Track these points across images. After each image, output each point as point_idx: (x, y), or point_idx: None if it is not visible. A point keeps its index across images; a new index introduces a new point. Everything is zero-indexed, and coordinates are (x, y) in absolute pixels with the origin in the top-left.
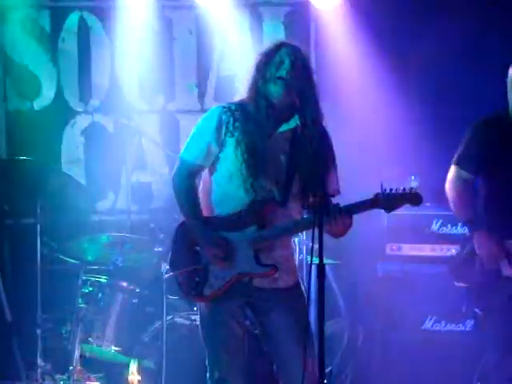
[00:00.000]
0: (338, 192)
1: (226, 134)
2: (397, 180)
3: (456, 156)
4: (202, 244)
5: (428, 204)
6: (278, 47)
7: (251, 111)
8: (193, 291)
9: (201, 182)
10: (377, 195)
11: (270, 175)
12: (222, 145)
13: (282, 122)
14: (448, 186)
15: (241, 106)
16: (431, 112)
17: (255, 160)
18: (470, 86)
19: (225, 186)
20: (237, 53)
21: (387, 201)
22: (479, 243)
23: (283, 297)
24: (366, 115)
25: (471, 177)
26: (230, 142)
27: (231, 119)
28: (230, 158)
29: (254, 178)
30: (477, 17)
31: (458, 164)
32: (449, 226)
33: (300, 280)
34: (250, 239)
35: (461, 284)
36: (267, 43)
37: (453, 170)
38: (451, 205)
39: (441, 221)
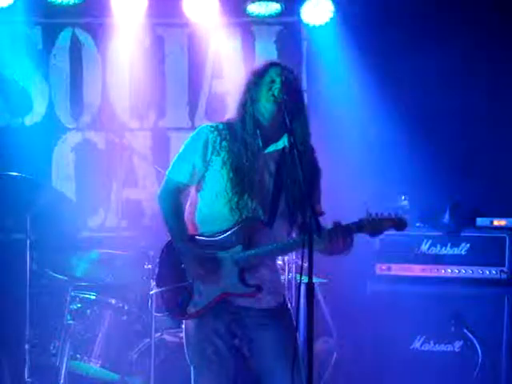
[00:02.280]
0: (322, 213)
1: (212, 153)
2: (387, 200)
3: None
4: (186, 262)
5: (418, 224)
6: (269, 67)
7: (239, 131)
8: (177, 309)
9: (187, 200)
10: (362, 220)
11: (256, 195)
12: (208, 164)
13: (270, 143)
14: None
15: (229, 125)
16: (422, 132)
17: (240, 179)
18: (458, 104)
19: (210, 205)
20: (228, 71)
21: (372, 226)
22: None
23: (268, 315)
24: (356, 133)
25: None
26: (217, 161)
27: (218, 138)
28: (216, 177)
29: (239, 198)
30: (465, 37)
31: None
32: (438, 246)
33: (287, 300)
34: (235, 258)
35: None
36: (259, 62)
37: None
38: None
39: (430, 241)
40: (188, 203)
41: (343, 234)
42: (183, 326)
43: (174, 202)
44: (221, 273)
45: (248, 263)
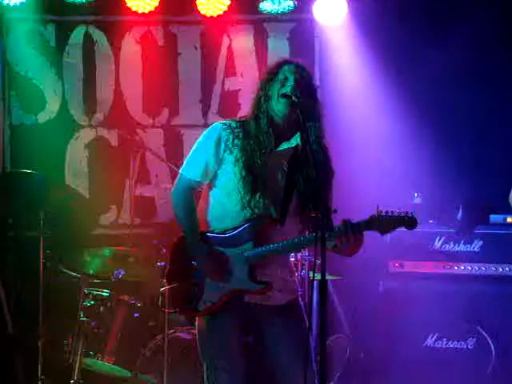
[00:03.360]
0: (335, 210)
1: (225, 151)
2: (400, 197)
3: None
4: (197, 258)
5: (431, 221)
6: (282, 64)
7: (252, 129)
8: (188, 306)
9: (200, 197)
10: (372, 217)
11: (268, 193)
12: (220, 162)
13: (282, 141)
14: None
15: (242, 123)
16: (435, 128)
17: (253, 177)
18: (471, 100)
19: (223, 202)
20: (241, 68)
21: (382, 223)
22: None
23: (279, 313)
24: (368, 130)
25: None
26: (229, 160)
27: (231, 136)
28: (229, 175)
29: (252, 196)
30: (477, 34)
31: None
32: (451, 243)
33: (299, 297)
34: (246, 256)
35: None
36: (272, 59)
37: None
38: None
39: (443, 238)
40: (200, 200)
41: (353, 231)
42: (196, 323)
43: (186, 199)
44: (231, 270)
45: (258, 260)
